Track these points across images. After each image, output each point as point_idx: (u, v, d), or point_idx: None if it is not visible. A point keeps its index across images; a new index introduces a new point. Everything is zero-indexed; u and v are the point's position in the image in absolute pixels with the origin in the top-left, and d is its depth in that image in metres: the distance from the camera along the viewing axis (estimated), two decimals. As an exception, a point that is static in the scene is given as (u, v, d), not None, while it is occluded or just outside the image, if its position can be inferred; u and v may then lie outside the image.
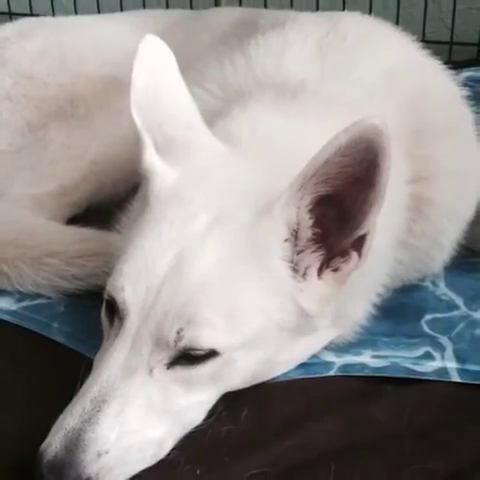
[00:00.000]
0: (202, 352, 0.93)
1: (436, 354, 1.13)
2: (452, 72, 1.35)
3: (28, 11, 2.76)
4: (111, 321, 0.98)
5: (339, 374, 1.10)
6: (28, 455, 0.89)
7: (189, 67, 1.25)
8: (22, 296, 1.29)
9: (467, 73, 2.07)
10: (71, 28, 1.69)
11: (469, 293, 1.27)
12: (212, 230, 0.95)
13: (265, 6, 2.55)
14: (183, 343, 0.92)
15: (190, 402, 0.96)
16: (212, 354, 0.93)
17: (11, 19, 2.27)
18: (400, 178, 1.13)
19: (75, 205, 1.48)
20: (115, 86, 1.47)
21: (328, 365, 1.11)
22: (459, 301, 1.25)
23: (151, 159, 1.03)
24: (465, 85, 1.39)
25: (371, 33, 1.32)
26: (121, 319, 0.95)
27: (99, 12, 2.62)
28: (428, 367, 1.10)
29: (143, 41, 1.09)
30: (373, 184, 0.90)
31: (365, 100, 1.15)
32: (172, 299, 0.92)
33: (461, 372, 1.10)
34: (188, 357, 0.93)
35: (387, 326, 1.18)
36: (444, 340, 1.16)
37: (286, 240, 0.96)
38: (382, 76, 1.22)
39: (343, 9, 2.35)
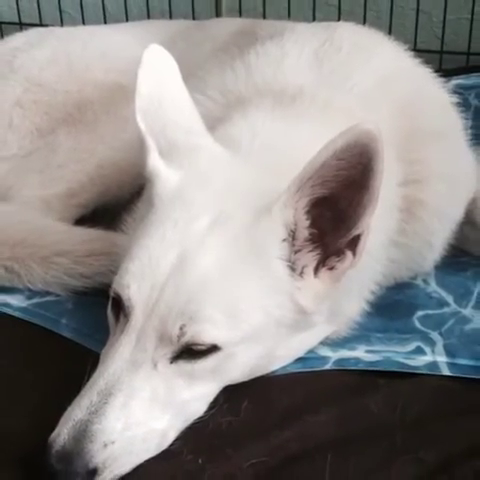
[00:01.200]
0: (204, 347, 0.95)
1: (427, 349, 1.15)
2: (442, 80, 1.37)
3: (37, 21, 2.78)
4: (117, 317, 1.01)
5: (335, 368, 1.12)
6: (38, 446, 0.92)
7: (191, 75, 1.28)
8: (32, 293, 1.31)
9: (457, 81, 2.08)
10: (78, 37, 1.70)
11: (459, 291, 1.29)
12: (213, 230, 0.98)
13: (264, 17, 2.57)
14: (186, 338, 0.94)
15: (192, 395, 0.98)
16: (213, 349, 0.96)
17: (21, 29, 2.28)
18: (393, 181, 1.16)
19: (82, 206, 1.50)
20: (120, 92, 1.50)
21: (324, 359, 1.13)
22: (449, 298, 1.28)
23: (155, 163, 1.05)
24: (455, 92, 1.40)
25: (365, 42, 1.35)
26: (126, 315, 0.97)
27: (105, 22, 2.63)
28: (419, 361, 1.12)
29: (147, 50, 1.12)
30: (367, 186, 0.93)
31: (359, 106, 1.17)
32: (175, 296, 0.95)
33: (451, 366, 1.12)
34: (190, 352, 0.95)
35: (380, 322, 1.20)
36: (435, 335, 1.18)
37: (284, 240, 0.98)
38: (376, 83, 1.24)
39: (338, 20, 2.36)
